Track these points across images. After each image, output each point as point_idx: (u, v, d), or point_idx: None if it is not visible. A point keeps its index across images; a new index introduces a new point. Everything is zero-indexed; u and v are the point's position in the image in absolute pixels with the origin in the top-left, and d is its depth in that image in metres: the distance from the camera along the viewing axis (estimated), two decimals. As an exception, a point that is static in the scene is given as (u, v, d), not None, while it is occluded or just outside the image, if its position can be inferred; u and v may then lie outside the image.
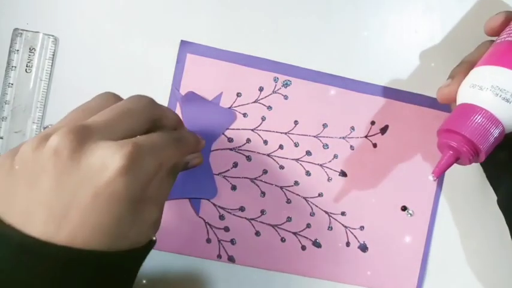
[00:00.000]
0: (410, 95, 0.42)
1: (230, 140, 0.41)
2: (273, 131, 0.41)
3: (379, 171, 0.42)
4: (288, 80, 0.41)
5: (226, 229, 0.41)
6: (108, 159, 0.24)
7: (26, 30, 0.39)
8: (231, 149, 0.41)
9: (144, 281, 0.40)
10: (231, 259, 0.41)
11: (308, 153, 0.41)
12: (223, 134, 0.41)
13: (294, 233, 0.41)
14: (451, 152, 0.31)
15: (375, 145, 0.42)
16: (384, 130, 0.42)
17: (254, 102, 0.41)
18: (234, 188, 0.41)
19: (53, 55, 0.40)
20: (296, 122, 0.41)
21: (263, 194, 0.41)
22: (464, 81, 0.32)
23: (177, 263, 0.41)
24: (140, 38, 0.40)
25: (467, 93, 0.31)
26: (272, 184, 0.41)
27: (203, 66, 0.41)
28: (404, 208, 0.42)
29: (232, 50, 0.41)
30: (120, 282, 0.28)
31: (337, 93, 0.41)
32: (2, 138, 0.39)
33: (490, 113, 0.30)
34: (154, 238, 0.30)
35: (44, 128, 0.39)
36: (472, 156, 0.30)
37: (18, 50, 0.39)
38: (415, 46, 0.42)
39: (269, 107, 0.41)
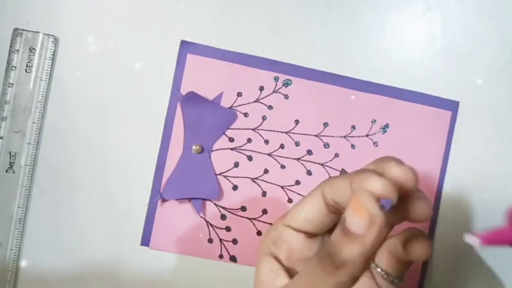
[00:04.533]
0: (411, 93, 0.42)
1: (231, 139, 0.41)
2: (274, 131, 0.41)
3: (380, 170, 0.42)
4: (289, 80, 0.41)
5: (228, 229, 0.41)
6: None
7: (26, 30, 0.39)
8: (232, 149, 0.41)
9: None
10: (232, 259, 0.41)
11: (309, 152, 0.41)
12: (224, 134, 0.41)
13: (296, 233, 0.41)
14: None
15: (375, 144, 0.42)
16: (384, 129, 0.42)
17: (255, 101, 0.41)
18: (235, 187, 0.41)
19: (53, 55, 0.40)
20: (297, 121, 0.41)
21: (264, 193, 0.41)
22: None
23: (178, 263, 0.41)
24: (140, 38, 0.40)
25: None
26: (273, 184, 0.41)
27: (203, 66, 0.41)
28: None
29: (233, 50, 0.41)
30: None
31: (337, 92, 0.41)
32: (2, 138, 0.39)
33: None
34: None
35: None
36: None
37: (18, 50, 0.39)
38: (415, 46, 0.42)
39: (270, 107, 0.41)
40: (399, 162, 0.27)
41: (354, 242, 0.24)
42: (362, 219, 0.24)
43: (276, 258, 0.30)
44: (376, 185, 0.25)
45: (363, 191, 0.25)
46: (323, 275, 0.25)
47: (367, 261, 0.25)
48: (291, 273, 0.30)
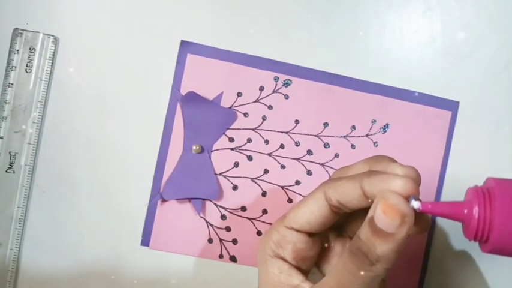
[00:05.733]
0: (411, 93, 0.42)
1: (231, 139, 0.41)
2: (274, 131, 0.41)
3: (380, 170, 0.42)
4: (289, 80, 0.41)
5: (228, 229, 0.41)
6: None
7: (26, 30, 0.39)
8: (232, 149, 0.41)
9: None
10: (232, 259, 0.41)
11: (309, 152, 0.41)
12: (224, 134, 0.41)
13: (296, 233, 0.41)
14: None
15: (376, 144, 0.42)
16: (384, 129, 0.42)
17: (255, 101, 0.41)
18: (235, 187, 0.41)
19: (53, 55, 0.40)
20: (297, 121, 0.41)
21: (264, 193, 0.41)
22: None
23: (178, 263, 0.41)
24: (140, 38, 0.40)
25: None
26: (273, 184, 0.41)
27: (203, 66, 0.41)
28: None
29: (233, 50, 0.41)
30: None
31: (337, 92, 0.41)
32: (2, 138, 0.39)
33: None
34: None
35: None
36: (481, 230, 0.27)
37: (18, 50, 0.39)
38: (415, 46, 0.42)
39: (270, 107, 0.41)
40: (396, 161, 0.29)
41: (387, 239, 0.25)
42: (395, 219, 0.25)
43: (283, 260, 0.31)
44: (400, 185, 0.26)
45: (389, 192, 0.26)
46: (357, 271, 0.26)
47: (399, 253, 0.26)
48: (299, 271, 0.31)
